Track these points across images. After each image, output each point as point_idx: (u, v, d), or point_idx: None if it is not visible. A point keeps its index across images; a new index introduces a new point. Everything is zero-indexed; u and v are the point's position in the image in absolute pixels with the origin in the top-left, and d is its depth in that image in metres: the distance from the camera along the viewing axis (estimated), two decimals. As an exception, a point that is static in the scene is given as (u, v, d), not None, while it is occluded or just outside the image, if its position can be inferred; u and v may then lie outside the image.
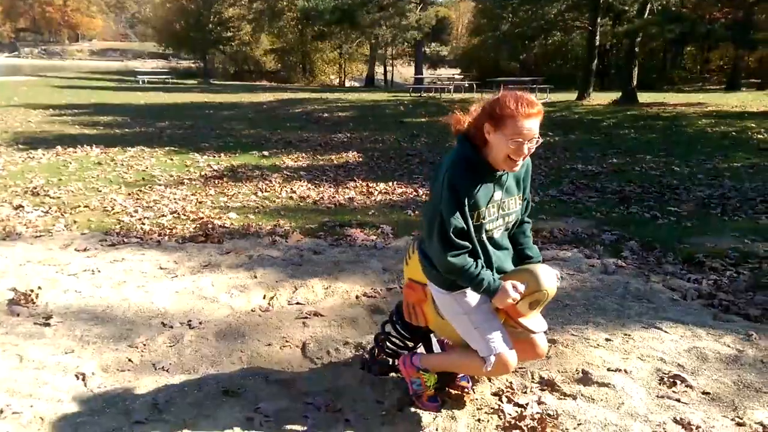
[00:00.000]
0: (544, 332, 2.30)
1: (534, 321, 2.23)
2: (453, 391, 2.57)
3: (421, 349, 2.65)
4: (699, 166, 8.25)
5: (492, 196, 2.14)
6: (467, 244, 2.10)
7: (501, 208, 2.18)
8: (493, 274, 2.15)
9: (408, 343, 2.65)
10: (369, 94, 26.55)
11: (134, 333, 3.14)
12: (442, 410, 2.43)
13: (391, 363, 2.73)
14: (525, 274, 2.18)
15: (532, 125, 2.03)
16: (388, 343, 2.70)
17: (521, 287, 2.12)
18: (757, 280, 3.90)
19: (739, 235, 4.93)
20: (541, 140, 2.09)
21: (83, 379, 2.68)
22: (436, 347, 2.69)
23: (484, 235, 2.17)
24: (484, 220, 2.13)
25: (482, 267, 2.13)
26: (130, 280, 3.91)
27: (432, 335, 2.66)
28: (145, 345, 3.01)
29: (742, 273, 4.04)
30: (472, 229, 2.10)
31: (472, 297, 2.21)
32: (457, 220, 2.06)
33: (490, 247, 2.19)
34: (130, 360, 2.86)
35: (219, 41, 40.26)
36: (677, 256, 4.43)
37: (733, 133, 11.27)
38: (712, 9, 24.06)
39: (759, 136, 10.82)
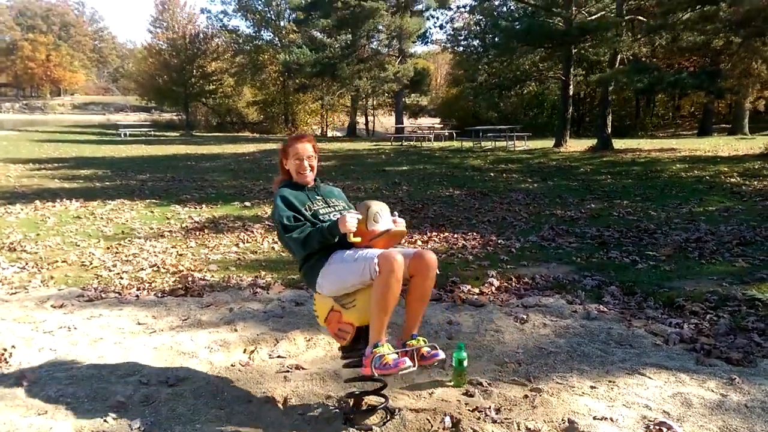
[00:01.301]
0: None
1: (385, 223, 2.74)
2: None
3: None
4: (675, 210, 8.41)
5: (313, 196, 2.94)
6: (303, 222, 2.78)
7: (327, 203, 2.94)
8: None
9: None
10: (351, 143, 26.89)
11: (110, 392, 3.05)
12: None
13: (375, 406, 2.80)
14: (355, 208, 2.79)
15: (303, 147, 2.94)
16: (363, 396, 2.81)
17: (354, 212, 2.68)
18: (737, 323, 3.93)
19: (717, 278, 4.99)
20: (315, 157, 2.98)
21: (56, 443, 2.58)
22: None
23: (321, 218, 2.83)
24: (316, 209, 2.86)
25: (317, 225, 2.76)
26: (107, 337, 3.83)
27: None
28: (121, 404, 2.92)
29: (722, 316, 4.07)
30: (308, 216, 2.81)
31: (337, 254, 2.74)
32: (288, 212, 2.78)
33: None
34: (105, 421, 2.77)
35: (201, 94, 40.79)
36: (658, 300, 4.47)
37: (707, 178, 11.55)
38: (680, 58, 25.08)
39: (732, 179, 11.10)
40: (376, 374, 2.56)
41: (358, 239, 2.66)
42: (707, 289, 4.67)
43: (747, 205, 8.61)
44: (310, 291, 3.06)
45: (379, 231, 2.69)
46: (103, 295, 4.77)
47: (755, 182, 10.64)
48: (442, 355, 2.74)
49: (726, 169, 12.61)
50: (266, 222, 8.04)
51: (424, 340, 2.79)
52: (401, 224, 2.84)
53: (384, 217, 2.74)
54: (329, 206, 2.92)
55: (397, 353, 2.62)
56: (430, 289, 2.82)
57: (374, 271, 2.55)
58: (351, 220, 2.61)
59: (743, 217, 7.68)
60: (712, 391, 2.97)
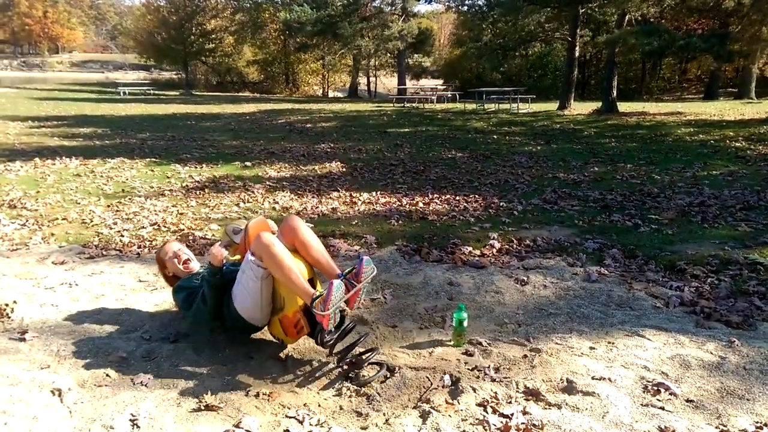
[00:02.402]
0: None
1: (245, 230, 3.04)
2: (436, 402, 2.54)
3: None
4: (679, 174, 8.35)
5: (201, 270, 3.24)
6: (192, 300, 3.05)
7: None
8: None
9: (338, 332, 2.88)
10: (352, 104, 26.60)
11: (112, 347, 3.07)
12: (426, 421, 2.40)
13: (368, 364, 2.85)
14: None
15: (170, 246, 3.34)
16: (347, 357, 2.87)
17: (217, 245, 2.97)
18: (738, 287, 3.93)
19: (719, 242, 4.98)
20: (183, 251, 3.33)
21: (59, 396, 2.60)
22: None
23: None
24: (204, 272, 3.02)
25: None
26: (108, 293, 3.84)
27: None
28: (123, 359, 2.94)
29: (723, 280, 4.07)
30: (200, 281, 3.06)
31: (230, 287, 2.93)
32: (181, 295, 3.12)
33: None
34: (107, 375, 2.80)
35: (201, 52, 40.18)
36: (659, 264, 4.46)
37: (712, 142, 11.44)
38: (689, 20, 24.57)
39: (737, 144, 11.00)
40: (328, 312, 2.61)
41: (237, 257, 3.02)
42: (709, 252, 4.66)
43: (751, 169, 8.54)
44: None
45: (250, 237, 2.90)
46: (104, 253, 4.77)
47: (760, 147, 10.53)
48: (365, 257, 2.83)
49: (731, 133, 12.48)
50: (267, 182, 8.01)
51: (348, 271, 2.87)
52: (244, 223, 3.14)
53: (239, 227, 3.14)
54: None
55: (352, 277, 2.80)
56: (311, 237, 2.96)
57: (257, 260, 2.74)
58: (216, 249, 2.89)
59: (747, 181, 7.62)
60: (711, 353, 2.98)
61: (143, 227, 5.59)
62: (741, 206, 6.22)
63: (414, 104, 24.54)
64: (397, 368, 2.83)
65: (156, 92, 33.18)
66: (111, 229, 5.52)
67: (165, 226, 5.61)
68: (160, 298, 3.75)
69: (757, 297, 3.75)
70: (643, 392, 2.62)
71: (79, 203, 6.57)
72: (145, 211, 6.25)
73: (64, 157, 9.61)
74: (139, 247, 4.95)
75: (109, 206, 6.45)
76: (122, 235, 5.29)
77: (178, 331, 3.27)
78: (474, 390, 2.64)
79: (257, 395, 2.62)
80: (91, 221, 5.80)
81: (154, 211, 6.26)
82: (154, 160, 9.80)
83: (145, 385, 2.71)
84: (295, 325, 2.83)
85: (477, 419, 2.43)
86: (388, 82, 44.90)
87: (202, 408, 2.51)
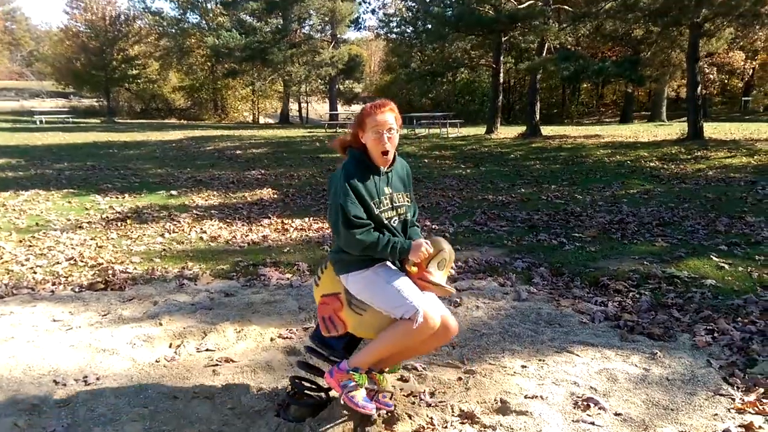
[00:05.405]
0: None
1: (444, 280, 2.53)
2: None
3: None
4: (599, 193, 8.72)
5: (383, 189, 2.51)
6: (369, 222, 2.42)
7: (392, 200, 2.54)
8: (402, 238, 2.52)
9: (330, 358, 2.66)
10: (284, 130, 26.40)
11: (21, 394, 2.84)
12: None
13: (310, 404, 2.67)
14: (429, 239, 2.52)
15: (385, 118, 2.48)
16: (305, 383, 2.68)
17: (426, 242, 2.46)
18: (658, 300, 4.10)
19: (638, 257, 5.20)
20: (397, 130, 2.52)
21: (-43, 452, 2.37)
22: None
23: (385, 224, 2.49)
24: (379, 209, 2.46)
25: (390, 235, 2.47)
26: (18, 335, 3.56)
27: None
28: (33, 406, 2.72)
29: (643, 294, 4.24)
30: (373, 212, 2.44)
31: (389, 268, 2.51)
32: (356, 206, 2.39)
33: (392, 230, 2.52)
34: (16, 425, 2.57)
35: (124, 79, 38.84)
36: (584, 280, 4.60)
37: (628, 162, 12.06)
38: (603, 47, 26.04)
39: (651, 164, 11.64)
40: (342, 401, 2.49)
41: (414, 269, 2.50)
42: (629, 268, 4.86)
43: (665, 187, 9.04)
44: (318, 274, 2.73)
45: (433, 282, 2.48)
46: (15, 291, 4.44)
47: (672, 166, 11.19)
48: (391, 407, 2.64)
49: (646, 154, 13.21)
50: (194, 211, 7.76)
51: (386, 380, 2.70)
52: (449, 286, 2.58)
53: (447, 268, 2.57)
54: (393, 208, 2.53)
55: (371, 390, 2.57)
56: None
57: (408, 319, 2.37)
58: (423, 251, 2.44)
59: (662, 199, 8.05)
60: (636, 365, 3.08)
61: (58, 262, 5.26)
62: (657, 222, 6.55)
63: (346, 129, 24.65)
64: (330, 399, 2.75)
65: (75, 120, 31.76)
66: (23, 265, 5.17)
67: (82, 261, 5.31)
68: (75, 339, 3.51)
69: (676, 309, 3.92)
70: (574, 408, 2.66)
71: (-12, 239, 6.13)
72: (60, 245, 5.90)
73: (-29, 190, 9.00)
74: (54, 284, 4.65)
75: (21, 241, 6.05)
76: (35, 272, 4.96)
77: (96, 373, 3.06)
78: (409, 417, 2.60)
79: (182, 437, 2.48)
80: (1, 258, 5.41)
81: (71, 245, 5.92)
82: (72, 191, 9.32)
83: (58, 434, 2.50)
84: (331, 318, 2.57)
85: (412, 447, 2.38)
86: (319, 108, 44.92)
87: (121, 455, 2.35)
